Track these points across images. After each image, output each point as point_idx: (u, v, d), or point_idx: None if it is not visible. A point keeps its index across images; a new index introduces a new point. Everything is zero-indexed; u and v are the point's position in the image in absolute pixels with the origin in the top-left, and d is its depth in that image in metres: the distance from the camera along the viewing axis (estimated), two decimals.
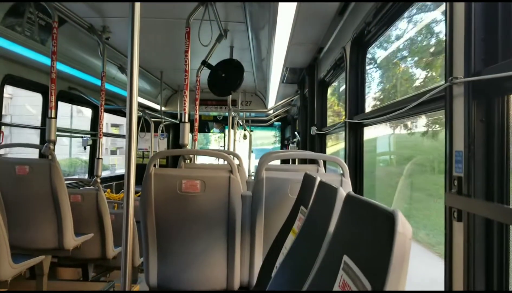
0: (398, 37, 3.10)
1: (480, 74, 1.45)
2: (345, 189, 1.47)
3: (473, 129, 1.46)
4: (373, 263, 0.93)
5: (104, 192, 4.61)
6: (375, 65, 3.64)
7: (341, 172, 2.75)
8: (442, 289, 1.63)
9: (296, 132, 7.61)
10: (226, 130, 9.60)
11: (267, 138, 14.09)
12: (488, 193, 1.44)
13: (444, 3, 1.66)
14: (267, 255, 2.36)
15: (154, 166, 2.72)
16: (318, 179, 1.88)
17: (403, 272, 0.83)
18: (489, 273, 1.43)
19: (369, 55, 3.44)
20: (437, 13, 2.35)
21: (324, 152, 5.18)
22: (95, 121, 7.06)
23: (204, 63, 4.57)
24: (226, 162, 2.87)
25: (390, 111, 2.43)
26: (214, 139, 14.08)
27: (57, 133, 3.93)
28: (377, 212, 0.97)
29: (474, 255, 1.43)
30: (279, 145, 12.55)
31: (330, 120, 5.23)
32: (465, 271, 1.46)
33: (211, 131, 11.64)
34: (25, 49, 4.18)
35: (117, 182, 8.36)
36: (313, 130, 5.09)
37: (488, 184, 1.44)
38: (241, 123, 9.45)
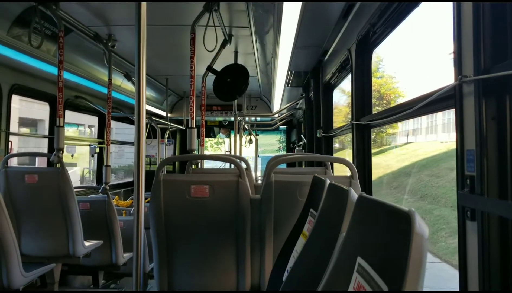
0: None
1: (490, 72, 1.44)
2: (354, 190, 1.47)
3: (484, 127, 1.45)
4: (389, 265, 0.92)
5: (113, 199, 4.63)
6: None
7: (349, 173, 2.75)
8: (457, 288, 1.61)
9: (302, 136, 7.60)
10: (232, 135, 9.61)
11: (270, 146, 13.75)
12: (502, 192, 1.43)
13: (451, 1, 1.65)
14: (278, 259, 2.35)
15: (162, 171, 2.73)
16: (328, 181, 1.87)
17: (421, 273, 0.82)
18: (505, 273, 1.42)
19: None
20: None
21: (331, 154, 5.17)
22: (102, 129, 7.09)
23: (209, 69, 4.58)
24: (233, 166, 2.87)
25: (398, 112, 2.42)
26: (210, 145, 13.79)
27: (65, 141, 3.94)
28: (392, 212, 0.97)
29: (489, 255, 1.42)
30: (283, 152, 12.45)
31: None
32: (480, 270, 1.44)
33: (217, 136, 11.65)
34: (31, 59, 4.21)
35: (125, 189, 8.39)
36: (319, 133, 5.08)
37: (502, 183, 1.43)
38: (247, 128, 9.45)
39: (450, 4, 1.67)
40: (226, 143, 12.84)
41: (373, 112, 3.27)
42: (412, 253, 0.82)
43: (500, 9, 1.46)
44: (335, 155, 5.72)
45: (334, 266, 1.32)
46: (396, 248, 0.90)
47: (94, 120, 7.59)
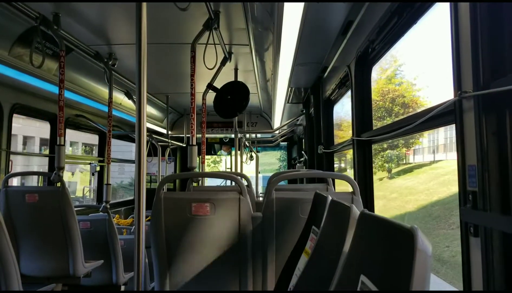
0: None
1: (489, 88, 1.45)
2: (356, 207, 1.46)
3: (485, 143, 1.45)
4: (393, 283, 0.91)
5: (113, 218, 4.60)
6: None
7: (351, 190, 2.73)
8: None
9: (303, 152, 7.60)
10: (232, 152, 9.61)
11: (269, 165, 13.44)
12: (504, 206, 1.42)
13: (449, 18, 1.66)
14: (280, 277, 2.32)
15: (162, 189, 2.72)
16: (330, 198, 1.86)
17: (425, 290, 0.81)
18: (510, 289, 1.40)
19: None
20: None
21: (332, 170, 5.16)
22: (102, 148, 7.09)
23: (210, 86, 4.60)
24: (234, 183, 2.86)
25: (399, 128, 2.42)
26: (207, 164, 13.42)
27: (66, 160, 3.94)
28: (395, 229, 0.96)
29: (493, 271, 1.40)
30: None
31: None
32: (484, 287, 1.42)
33: (218, 153, 11.65)
34: (33, 78, 4.23)
35: (126, 207, 8.35)
36: (320, 149, 5.08)
37: (504, 197, 1.42)
38: (248, 145, 9.45)
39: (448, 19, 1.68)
40: (223, 162, 12.81)
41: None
42: (416, 270, 0.81)
43: (498, 24, 1.47)
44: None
45: (337, 284, 1.31)
46: (399, 266, 0.89)
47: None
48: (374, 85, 3.67)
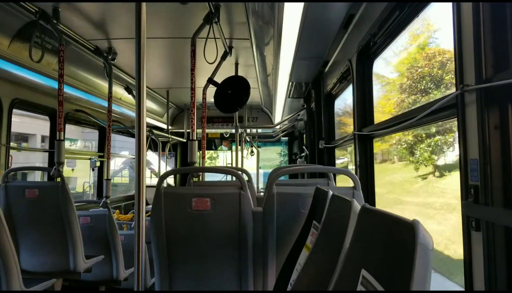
0: None
1: (492, 81, 1.43)
2: (357, 201, 1.45)
3: (487, 136, 1.43)
4: (394, 277, 0.90)
5: (113, 213, 4.60)
6: None
7: (352, 184, 2.72)
8: None
9: (304, 147, 7.59)
10: (233, 147, 9.61)
11: (269, 160, 13.23)
12: (506, 201, 1.40)
13: (451, 10, 1.64)
14: (281, 272, 2.32)
15: (163, 184, 2.71)
16: (330, 193, 1.85)
17: (426, 284, 0.80)
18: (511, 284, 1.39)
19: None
20: None
21: (334, 165, 5.15)
22: (102, 143, 7.08)
23: (210, 81, 4.58)
24: (235, 179, 2.84)
25: (400, 122, 2.40)
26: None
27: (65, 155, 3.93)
28: (396, 223, 0.95)
29: (495, 266, 1.39)
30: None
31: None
32: (486, 282, 1.42)
33: (219, 148, 11.65)
34: (32, 73, 4.22)
35: (126, 203, 8.35)
36: (321, 144, 5.07)
37: (506, 191, 1.41)
38: (248, 140, 9.45)
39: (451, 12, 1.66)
40: (221, 158, 12.78)
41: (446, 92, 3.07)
42: (417, 264, 0.80)
43: (500, 16, 1.46)
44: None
45: (338, 278, 1.30)
46: (400, 259, 0.88)
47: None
48: (404, 55, 3.43)
